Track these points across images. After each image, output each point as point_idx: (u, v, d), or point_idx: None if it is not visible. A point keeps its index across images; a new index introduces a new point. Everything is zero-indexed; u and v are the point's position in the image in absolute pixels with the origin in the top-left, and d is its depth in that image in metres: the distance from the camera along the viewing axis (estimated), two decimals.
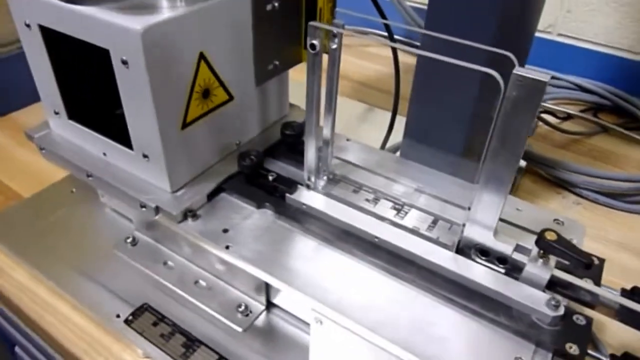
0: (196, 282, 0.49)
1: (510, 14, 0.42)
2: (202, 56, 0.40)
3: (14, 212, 0.57)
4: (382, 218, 0.41)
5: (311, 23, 0.35)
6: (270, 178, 0.43)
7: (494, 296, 0.35)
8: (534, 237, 0.34)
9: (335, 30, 0.36)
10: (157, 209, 0.42)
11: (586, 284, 0.34)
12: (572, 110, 0.80)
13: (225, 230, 0.41)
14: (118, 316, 0.46)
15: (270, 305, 0.46)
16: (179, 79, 0.39)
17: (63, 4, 0.37)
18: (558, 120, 0.79)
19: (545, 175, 0.67)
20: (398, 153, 0.58)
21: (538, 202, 0.63)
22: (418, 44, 0.74)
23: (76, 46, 0.40)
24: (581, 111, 0.81)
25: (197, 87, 0.41)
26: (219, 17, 0.40)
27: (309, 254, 0.39)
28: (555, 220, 0.43)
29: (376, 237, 0.39)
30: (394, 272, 0.37)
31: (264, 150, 0.48)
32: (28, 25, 0.42)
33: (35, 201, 0.58)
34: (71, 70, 0.44)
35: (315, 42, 0.35)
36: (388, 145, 0.63)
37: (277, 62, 0.48)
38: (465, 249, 0.38)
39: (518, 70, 0.29)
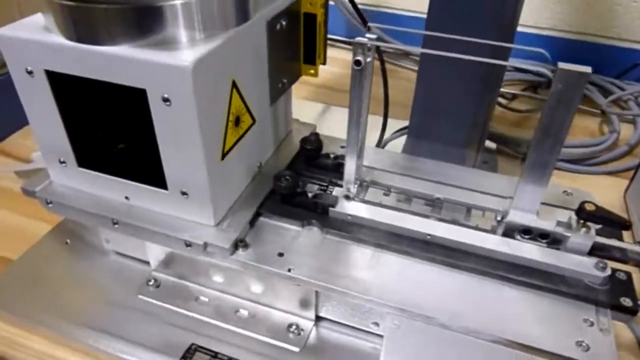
0: (236, 311, 0.48)
1: (503, 15, 0.47)
2: (234, 84, 0.39)
3: (9, 277, 0.51)
4: (424, 215, 0.43)
5: (356, 39, 0.36)
6: (310, 195, 0.44)
7: (548, 269, 0.39)
8: (556, 210, 0.39)
9: (369, 44, 0.37)
10: (206, 245, 0.41)
11: (629, 244, 0.39)
12: (514, 90, 0.88)
13: (281, 254, 0.41)
14: None
15: (317, 319, 0.47)
16: (218, 110, 0.38)
17: (86, 46, 0.35)
18: (506, 101, 0.87)
19: (513, 153, 0.73)
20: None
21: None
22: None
23: (92, 89, 0.38)
24: (523, 90, 0.89)
25: (231, 115, 0.40)
26: (243, 43, 0.40)
27: (369, 262, 0.41)
28: (564, 191, 0.48)
29: (428, 235, 0.41)
30: (453, 264, 0.40)
31: (286, 166, 0.49)
32: (30, 72, 0.38)
33: (29, 261, 0.53)
34: (84, 115, 0.41)
35: (360, 58, 0.36)
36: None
37: (284, 80, 0.49)
38: (509, 232, 0.41)
39: (562, 65, 0.33)
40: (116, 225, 0.43)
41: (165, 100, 0.35)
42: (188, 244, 0.41)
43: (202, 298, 0.49)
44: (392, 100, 0.65)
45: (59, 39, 0.36)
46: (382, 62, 0.59)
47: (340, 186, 0.47)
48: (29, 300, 0.49)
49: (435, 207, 0.44)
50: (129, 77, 0.35)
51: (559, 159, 0.71)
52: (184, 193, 0.40)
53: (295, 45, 0.49)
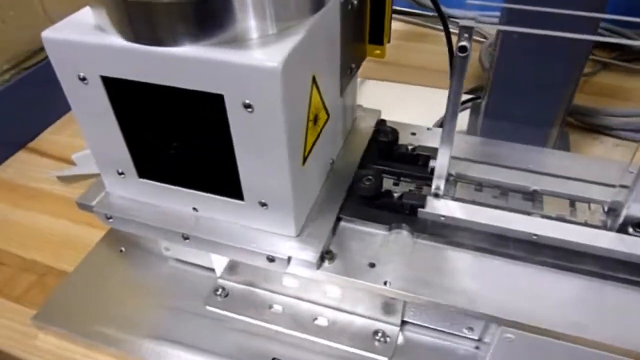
0: (314, 319, 0.45)
1: None
2: (314, 80, 0.34)
3: (65, 291, 0.48)
4: (526, 212, 0.39)
5: (463, 23, 0.31)
6: (396, 195, 0.40)
7: None
8: None
9: (476, 26, 0.32)
10: (289, 259, 0.37)
11: None
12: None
13: (372, 265, 0.37)
14: None
15: (402, 323, 0.44)
16: (300, 111, 0.34)
17: (150, 48, 0.30)
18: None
19: (577, 123, 0.68)
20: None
21: (584, 152, 0.64)
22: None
23: (156, 95, 0.33)
24: (613, 57, 0.82)
25: (311, 114, 0.35)
26: (320, 32, 0.34)
27: (471, 269, 0.37)
28: None
29: (534, 235, 0.37)
30: (567, 266, 0.36)
31: (360, 161, 0.44)
32: (83, 79, 0.34)
33: (85, 272, 0.50)
34: (146, 123, 0.37)
35: (466, 44, 0.31)
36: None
37: (353, 65, 0.44)
38: (623, 226, 0.37)
39: None
40: (187, 240, 0.39)
41: (247, 106, 0.31)
42: (271, 259, 0.37)
43: (275, 306, 0.46)
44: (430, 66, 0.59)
45: (117, 41, 0.31)
46: (447, 29, 0.54)
47: (422, 181, 0.43)
48: (90, 315, 0.46)
49: (535, 201, 0.40)
50: (202, 82, 0.31)
51: (630, 129, 0.65)
52: (262, 204, 0.36)
53: (362, 25, 0.44)
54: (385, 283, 0.36)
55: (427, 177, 0.43)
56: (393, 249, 0.38)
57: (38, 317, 0.46)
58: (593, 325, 0.32)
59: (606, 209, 0.38)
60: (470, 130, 0.63)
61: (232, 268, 0.47)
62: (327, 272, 0.37)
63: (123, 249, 0.52)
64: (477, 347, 0.42)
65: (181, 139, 0.38)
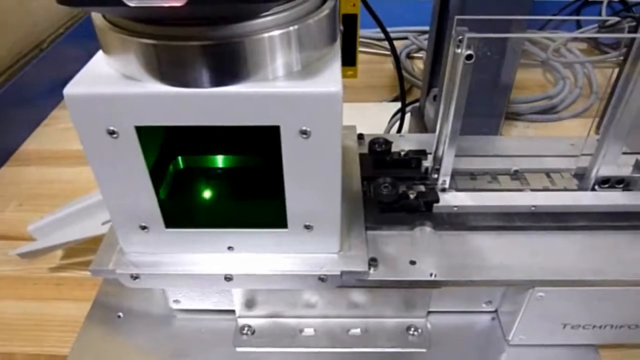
0: (347, 331, 0.46)
1: None
2: None
3: None
4: (519, 190, 0.45)
5: (470, 34, 0.36)
6: (412, 196, 0.43)
7: (635, 209, 0.43)
8: None
9: (480, 36, 0.37)
10: (342, 274, 0.38)
11: None
12: None
13: (413, 262, 0.40)
14: None
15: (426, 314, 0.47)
16: None
17: (197, 90, 0.30)
18: None
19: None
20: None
21: (507, 135, 0.75)
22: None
23: (197, 139, 0.33)
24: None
25: None
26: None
27: (495, 246, 0.42)
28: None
29: (533, 206, 0.43)
30: (565, 227, 0.43)
31: (361, 172, 0.47)
32: (112, 133, 0.32)
33: (86, 347, 0.46)
34: (177, 169, 0.36)
35: (472, 52, 0.36)
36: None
37: None
38: (594, 186, 0.45)
39: None
40: (230, 281, 0.38)
41: (303, 132, 0.32)
42: (323, 279, 0.38)
43: (306, 330, 0.46)
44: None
45: (156, 88, 0.31)
46: (394, 51, 0.60)
47: (417, 181, 0.47)
48: None
49: (520, 179, 0.46)
50: (258, 116, 0.31)
51: (534, 112, 0.78)
52: (307, 227, 0.37)
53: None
54: (431, 275, 0.39)
55: (422, 176, 0.47)
56: (423, 244, 0.42)
57: None
58: (608, 267, 0.39)
59: (573, 174, 0.46)
60: (414, 131, 0.70)
61: (250, 304, 0.47)
62: (376, 277, 0.39)
63: (121, 314, 0.48)
64: (493, 318, 0.48)
65: (222, 179, 0.38)
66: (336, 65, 0.33)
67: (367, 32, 0.98)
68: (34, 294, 0.54)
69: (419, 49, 0.98)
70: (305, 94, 0.31)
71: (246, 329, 0.46)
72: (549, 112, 0.79)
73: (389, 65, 0.98)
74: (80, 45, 0.98)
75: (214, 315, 0.48)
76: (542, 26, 0.99)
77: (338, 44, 0.36)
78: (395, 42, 0.64)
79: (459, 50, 0.37)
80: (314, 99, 0.31)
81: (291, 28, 0.30)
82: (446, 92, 0.41)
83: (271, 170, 0.34)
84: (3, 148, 0.75)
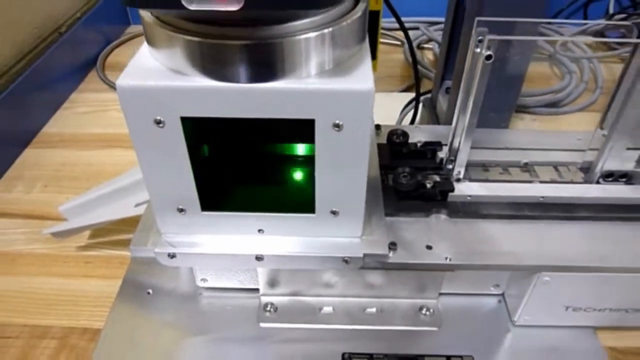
0: (364, 310, 0.50)
1: None
2: None
3: (110, 343, 0.47)
4: (528, 181, 0.48)
5: (491, 36, 0.38)
6: (428, 186, 0.46)
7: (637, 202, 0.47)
8: None
9: (499, 38, 0.39)
10: (364, 257, 0.41)
11: None
12: None
13: (429, 247, 0.43)
14: None
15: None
16: None
17: (240, 85, 0.33)
18: None
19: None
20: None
21: (514, 128, 0.78)
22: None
23: (236, 128, 0.35)
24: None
25: None
26: None
27: (505, 233, 0.45)
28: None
29: (541, 197, 0.46)
30: (572, 217, 0.46)
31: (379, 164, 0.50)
32: (159, 122, 0.35)
33: (120, 321, 0.49)
34: (217, 156, 0.38)
35: (492, 52, 0.39)
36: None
37: None
38: (599, 179, 0.48)
39: None
40: (261, 261, 0.41)
41: (336, 126, 0.35)
42: (346, 260, 0.41)
43: (325, 308, 0.50)
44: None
45: (202, 82, 0.33)
46: (410, 44, 0.62)
47: (432, 171, 0.50)
48: None
49: (530, 171, 0.49)
50: (295, 110, 0.34)
51: (541, 105, 0.80)
52: (334, 212, 0.40)
53: None
54: (446, 259, 0.42)
55: (437, 167, 0.50)
56: (439, 231, 0.45)
57: None
58: (610, 255, 0.42)
59: (579, 167, 0.49)
60: (426, 122, 0.72)
61: (273, 283, 0.50)
62: (396, 260, 0.42)
63: (150, 291, 0.51)
64: (499, 301, 0.51)
65: (256, 166, 0.40)
66: (367, 63, 0.35)
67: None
68: (65, 271, 0.56)
69: (429, 40, 1.00)
70: (340, 90, 0.33)
71: (269, 306, 0.49)
72: (555, 105, 0.81)
73: (398, 55, 1.00)
74: (96, 29, 1.00)
75: (239, 294, 0.51)
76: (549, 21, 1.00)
77: (367, 42, 0.38)
78: None
79: (479, 50, 0.40)
80: (348, 96, 0.33)
81: (326, 30, 0.33)
82: (464, 88, 0.43)
83: (302, 158, 0.37)
84: (26, 130, 0.78)
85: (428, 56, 0.99)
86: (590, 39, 0.97)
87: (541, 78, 0.91)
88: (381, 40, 1.02)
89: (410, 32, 1.02)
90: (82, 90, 0.91)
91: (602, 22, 0.97)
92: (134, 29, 1.10)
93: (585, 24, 0.97)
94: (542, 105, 0.80)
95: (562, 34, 0.95)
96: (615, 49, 0.94)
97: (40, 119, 0.81)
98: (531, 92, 0.80)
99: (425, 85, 0.87)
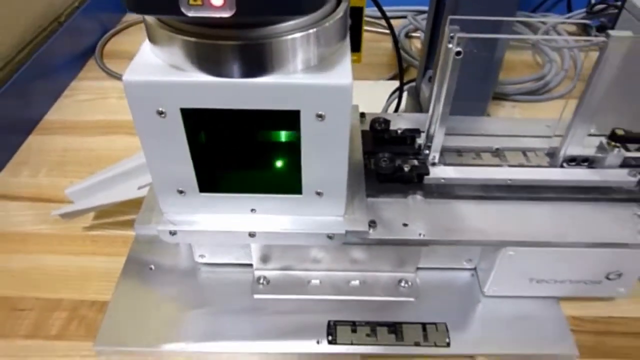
0: (349, 283, 0.54)
1: None
2: None
3: (116, 315, 0.51)
4: (498, 165, 0.52)
5: (460, 34, 0.42)
6: (406, 169, 0.51)
7: (599, 184, 0.51)
8: None
9: (464, 36, 0.44)
10: (346, 233, 0.46)
11: None
12: None
13: (405, 224, 0.48)
14: (318, 342, 0.50)
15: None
16: None
17: (234, 80, 0.37)
18: None
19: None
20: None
21: (494, 115, 0.82)
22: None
23: (230, 118, 0.39)
24: None
25: None
26: None
27: (476, 213, 0.49)
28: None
29: (509, 180, 0.51)
30: (536, 197, 0.50)
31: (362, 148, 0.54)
32: (161, 113, 0.39)
33: (125, 294, 0.53)
34: (214, 143, 0.42)
35: (461, 49, 0.43)
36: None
37: None
38: (562, 163, 0.52)
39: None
40: (253, 237, 0.46)
41: (319, 116, 0.39)
42: (330, 237, 0.46)
43: (313, 281, 0.54)
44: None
45: (199, 77, 0.37)
46: (394, 34, 0.66)
47: (411, 156, 0.54)
48: (147, 331, 0.50)
49: (500, 156, 0.54)
50: (282, 102, 0.38)
51: (521, 93, 0.85)
52: (318, 193, 0.45)
53: None
54: (420, 235, 0.47)
55: (416, 152, 0.55)
56: (415, 210, 0.49)
57: (99, 343, 0.49)
58: (570, 232, 0.47)
59: (546, 153, 0.54)
60: (410, 110, 0.76)
61: (265, 258, 0.54)
62: (375, 236, 0.47)
63: (152, 267, 0.56)
64: (472, 275, 0.56)
65: (249, 152, 0.45)
66: (347, 59, 0.39)
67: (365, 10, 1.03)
68: (73, 249, 0.61)
69: (416, 29, 1.04)
70: (322, 85, 0.37)
71: (262, 279, 0.54)
72: (535, 93, 0.86)
73: (386, 43, 1.03)
74: (93, 18, 1.03)
75: (234, 268, 0.55)
76: (535, 8, 1.04)
77: (348, 39, 0.42)
78: (394, 21, 0.70)
79: (450, 46, 0.44)
80: (329, 90, 0.37)
81: (311, 31, 0.37)
82: (439, 80, 0.47)
83: (289, 145, 0.41)
84: (29, 118, 0.81)
85: (416, 45, 1.02)
86: (554, 21, 1.01)
87: (523, 66, 0.95)
88: (369, 28, 1.06)
89: (398, 21, 1.06)
90: (82, 79, 0.94)
91: (561, 19, 1.01)
92: (130, 17, 1.13)
93: (544, 22, 1.01)
94: (522, 93, 0.84)
95: (544, 23, 0.98)
96: (597, 37, 0.98)
97: (42, 107, 0.85)
98: (511, 80, 0.84)
99: (412, 73, 0.91)
